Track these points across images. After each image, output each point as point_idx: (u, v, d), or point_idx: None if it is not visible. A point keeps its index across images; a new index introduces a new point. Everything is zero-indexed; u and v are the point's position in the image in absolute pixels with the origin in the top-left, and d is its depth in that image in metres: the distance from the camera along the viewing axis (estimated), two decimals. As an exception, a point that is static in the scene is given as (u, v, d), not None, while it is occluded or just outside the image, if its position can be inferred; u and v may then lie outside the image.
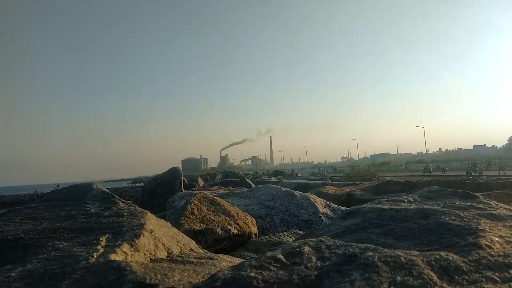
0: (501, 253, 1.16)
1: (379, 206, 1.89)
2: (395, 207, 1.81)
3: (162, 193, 9.30)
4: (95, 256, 1.45)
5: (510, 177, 11.25)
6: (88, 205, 2.17)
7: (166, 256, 1.69)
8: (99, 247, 1.53)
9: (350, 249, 1.26)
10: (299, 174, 35.87)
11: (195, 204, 3.57)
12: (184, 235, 2.13)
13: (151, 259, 1.58)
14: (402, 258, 1.11)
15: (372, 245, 1.28)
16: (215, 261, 1.69)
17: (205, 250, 2.25)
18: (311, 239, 1.42)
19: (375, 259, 1.12)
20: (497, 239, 1.28)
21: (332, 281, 1.05)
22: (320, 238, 1.43)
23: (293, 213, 4.67)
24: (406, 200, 1.99)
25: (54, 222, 1.88)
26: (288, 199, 4.97)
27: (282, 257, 1.25)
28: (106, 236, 1.63)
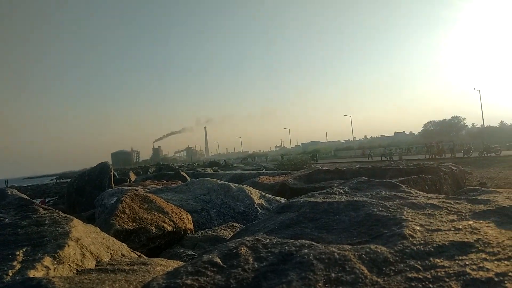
0: (422, 242, 1.25)
1: (312, 199, 1.95)
2: (328, 200, 1.88)
3: (90, 190, 8.77)
4: (11, 274, 1.28)
5: (426, 162, 12.38)
6: (1, 215, 1.94)
7: (95, 266, 1.57)
8: (15, 263, 1.36)
9: (286, 247, 1.27)
10: (235, 165, 36.09)
11: (126, 203, 3.41)
12: (114, 239, 2.00)
13: (77, 270, 1.45)
14: (335, 254, 1.15)
15: (307, 242, 1.31)
16: (149, 267, 1.62)
17: (138, 253, 2.15)
18: (248, 238, 1.41)
19: (311, 257, 1.14)
20: (418, 228, 1.38)
21: (270, 283, 1.05)
22: (256, 237, 1.43)
23: (229, 205, 4.67)
24: (337, 192, 2.07)
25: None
26: (224, 192, 4.97)
27: (219, 260, 1.22)
28: (24, 250, 1.46)
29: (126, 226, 3.00)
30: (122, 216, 3.14)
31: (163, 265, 1.67)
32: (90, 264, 1.55)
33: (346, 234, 1.46)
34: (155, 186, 7.21)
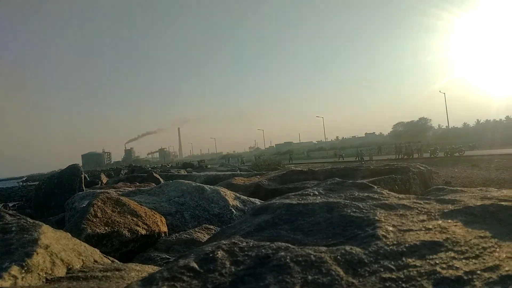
0: (395, 242, 1.29)
1: (288, 201, 1.96)
2: (303, 202, 1.90)
3: (59, 193, 8.46)
4: (-26, 285, 1.23)
5: (395, 163, 12.74)
6: (-38, 222, 1.84)
7: (66, 273, 1.51)
8: (-21, 273, 1.30)
9: (263, 250, 1.27)
10: (209, 166, 35.88)
11: (98, 206, 3.32)
12: (87, 245, 1.94)
13: (47, 279, 1.39)
14: (312, 256, 1.16)
15: (284, 244, 1.32)
16: (123, 272, 1.58)
17: (112, 259, 2.09)
18: (224, 242, 1.40)
19: (287, 260, 1.15)
20: (391, 228, 1.42)
21: (247, 287, 1.05)
22: (233, 240, 1.43)
23: (203, 207, 4.64)
24: (312, 194, 2.10)
25: None
26: (198, 193, 4.93)
27: (195, 264, 1.21)
28: (-11, 259, 1.39)
29: (98, 230, 2.93)
30: (94, 220, 3.06)
31: (137, 271, 1.63)
32: (61, 272, 1.49)
33: (322, 235, 1.48)
34: (127, 188, 7.05)
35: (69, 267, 1.57)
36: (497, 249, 1.23)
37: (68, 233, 1.90)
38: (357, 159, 33.23)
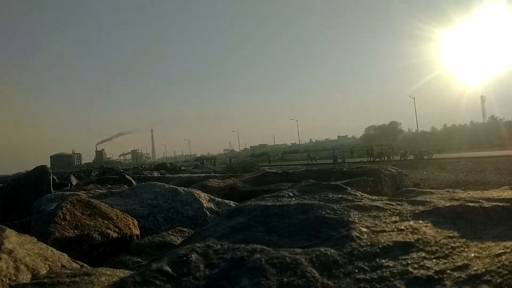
0: (369, 243, 1.31)
1: (263, 203, 1.95)
2: (278, 204, 1.89)
3: (26, 196, 8.11)
4: None
5: (367, 165, 13.01)
6: None
7: (31, 279, 1.44)
8: None
9: (238, 252, 1.26)
10: (183, 168, 35.43)
11: (67, 209, 3.20)
12: (54, 249, 1.86)
13: (10, 285, 1.32)
14: (287, 258, 1.16)
15: (259, 246, 1.31)
16: (93, 277, 1.52)
17: (81, 263, 2.01)
18: (199, 245, 1.38)
19: (263, 262, 1.14)
20: (365, 229, 1.44)
21: (222, 290, 1.04)
22: (207, 243, 1.40)
23: (177, 210, 4.57)
24: (287, 196, 2.10)
25: None
26: (172, 196, 4.85)
27: (168, 268, 1.18)
28: None
29: (67, 234, 2.82)
30: (63, 223, 2.95)
31: (108, 275, 1.58)
32: (26, 278, 1.42)
33: (297, 237, 1.48)
34: (98, 190, 6.84)
35: (35, 272, 1.50)
36: (466, 249, 1.27)
37: (33, 237, 1.82)
38: (338, 160, 33.80)
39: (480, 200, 1.80)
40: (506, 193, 1.98)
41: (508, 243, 1.28)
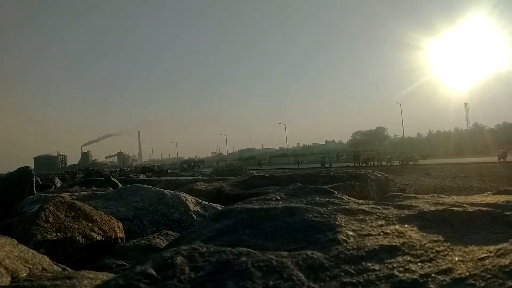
0: (355, 247, 1.31)
1: (250, 206, 1.95)
2: (265, 207, 1.89)
3: (7, 197, 7.93)
4: None
5: (354, 170, 13.13)
6: None
7: (11, 282, 1.40)
8: None
9: (224, 255, 1.25)
10: (169, 171, 35.17)
11: (50, 211, 3.13)
12: (35, 252, 1.81)
13: (-12, 289, 1.29)
14: (273, 261, 1.15)
15: (245, 249, 1.30)
16: (74, 280, 1.48)
17: (63, 266, 1.97)
18: (184, 247, 1.36)
19: (249, 265, 1.13)
20: (351, 233, 1.45)
21: (207, 294, 1.02)
22: (193, 246, 1.39)
23: (163, 213, 4.52)
24: (274, 199, 2.10)
25: None
26: (158, 198, 4.80)
27: (153, 271, 1.16)
28: None
29: (49, 237, 2.76)
30: (45, 225, 2.89)
31: (90, 278, 1.54)
32: (4, 281, 1.38)
33: (284, 240, 1.48)
34: (83, 192, 6.72)
35: (14, 275, 1.46)
36: (450, 253, 1.28)
37: (13, 239, 1.78)
38: (325, 165, 33.96)
39: (464, 205, 1.83)
40: (489, 198, 2.02)
41: (491, 247, 1.30)
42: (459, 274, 1.11)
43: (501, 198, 1.94)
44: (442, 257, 1.25)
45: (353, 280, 1.09)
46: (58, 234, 2.85)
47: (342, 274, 1.13)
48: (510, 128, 57.17)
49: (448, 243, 1.37)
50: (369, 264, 1.18)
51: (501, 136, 45.99)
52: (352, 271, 1.15)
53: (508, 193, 2.35)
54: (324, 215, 1.70)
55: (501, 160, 23.67)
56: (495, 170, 17.33)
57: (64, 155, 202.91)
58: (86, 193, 6.24)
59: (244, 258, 1.19)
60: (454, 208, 1.78)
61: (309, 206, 1.83)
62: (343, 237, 1.39)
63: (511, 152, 25.68)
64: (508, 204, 1.79)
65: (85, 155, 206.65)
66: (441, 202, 2.01)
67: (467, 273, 1.11)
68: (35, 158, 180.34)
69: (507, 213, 1.66)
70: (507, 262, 1.17)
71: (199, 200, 5.19)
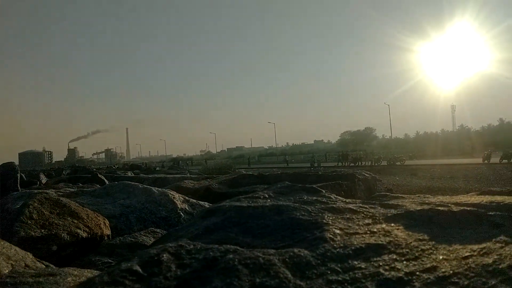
0: (342, 245, 1.32)
1: (238, 204, 1.94)
2: (253, 205, 1.89)
3: (-10, 193, 7.77)
4: None
5: (342, 169, 13.23)
6: None
7: (-9, 279, 1.37)
8: None
9: (211, 252, 1.24)
10: (157, 168, 34.93)
11: (34, 207, 3.08)
12: (18, 249, 1.78)
13: (-32, 285, 1.26)
14: (260, 259, 1.15)
15: (232, 247, 1.29)
16: (58, 277, 1.46)
17: (46, 263, 1.94)
18: (171, 244, 1.35)
19: (236, 262, 1.13)
20: (338, 231, 1.45)
21: (193, 291, 1.01)
22: (180, 243, 1.38)
23: (150, 210, 4.48)
24: (262, 197, 2.10)
25: None
26: (145, 196, 4.76)
27: (138, 268, 1.15)
28: None
29: (33, 233, 2.72)
30: (29, 222, 2.84)
31: (75, 275, 1.52)
32: (-15, 277, 1.35)
33: (271, 238, 1.48)
34: (69, 189, 6.63)
35: (-4, 272, 1.43)
36: (434, 251, 1.30)
37: (-4, 236, 1.74)
38: (314, 164, 34.08)
39: (449, 205, 1.85)
40: (473, 199, 2.05)
41: (475, 246, 1.32)
42: (443, 272, 1.13)
43: (485, 199, 1.97)
44: (427, 255, 1.26)
45: (339, 278, 1.09)
46: (42, 230, 2.80)
47: (329, 272, 1.13)
48: (495, 130, 58.24)
49: (433, 242, 1.38)
50: (356, 262, 1.19)
51: (486, 138, 46.79)
52: (338, 269, 1.15)
53: (492, 193, 2.40)
54: (312, 214, 1.70)
55: (486, 161, 24.14)
56: (479, 171, 17.66)
57: (50, 151, 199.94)
58: (72, 190, 6.15)
59: (231, 256, 1.19)
60: (439, 208, 1.81)
61: (297, 205, 1.84)
62: (330, 236, 1.39)
63: (495, 154, 26.21)
64: (491, 204, 1.82)
65: (72, 152, 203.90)
66: (427, 201, 2.03)
67: (451, 272, 1.12)
68: (20, 154, 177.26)
69: (490, 213, 1.69)
70: (490, 261, 1.19)
71: (187, 198, 5.16)
